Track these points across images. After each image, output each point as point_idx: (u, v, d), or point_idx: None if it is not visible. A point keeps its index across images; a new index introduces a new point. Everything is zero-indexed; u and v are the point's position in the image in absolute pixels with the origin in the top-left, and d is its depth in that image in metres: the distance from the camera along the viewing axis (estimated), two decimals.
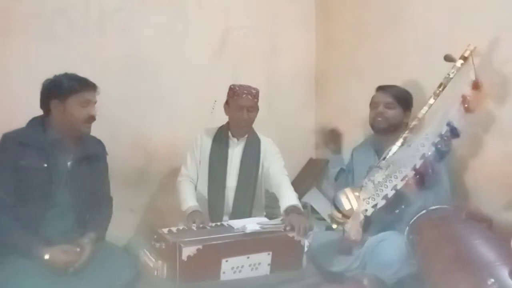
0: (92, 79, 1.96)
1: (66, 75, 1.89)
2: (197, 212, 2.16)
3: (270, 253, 1.88)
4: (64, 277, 1.69)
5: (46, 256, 1.69)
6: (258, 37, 2.94)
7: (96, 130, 2.00)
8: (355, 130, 2.73)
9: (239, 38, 2.87)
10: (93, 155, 1.96)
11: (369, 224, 1.98)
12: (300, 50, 3.09)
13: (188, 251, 1.74)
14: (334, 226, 2.05)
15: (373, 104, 2.21)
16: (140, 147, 2.63)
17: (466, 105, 1.91)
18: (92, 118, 1.90)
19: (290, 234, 1.93)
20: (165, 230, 1.94)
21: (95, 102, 1.91)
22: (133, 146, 2.59)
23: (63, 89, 1.85)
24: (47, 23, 2.37)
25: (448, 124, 1.92)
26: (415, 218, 1.86)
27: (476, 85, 1.93)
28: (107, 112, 2.40)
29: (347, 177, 2.33)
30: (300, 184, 2.84)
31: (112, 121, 2.49)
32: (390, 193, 1.94)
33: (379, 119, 2.15)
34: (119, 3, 2.54)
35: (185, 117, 2.72)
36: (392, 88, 2.18)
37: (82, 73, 1.98)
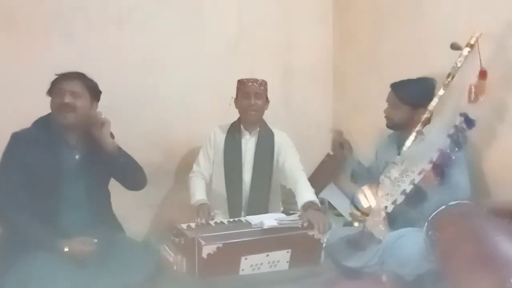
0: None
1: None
2: (204, 205, 2.19)
3: (289, 251, 1.89)
4: (85, 270, 1.72)
5: (66, 249, 1.72)
6: (274, 32, 2.93)
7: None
8: (373, 126, 2.70)
9: (255, 34, 2.87)
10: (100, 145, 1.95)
11: (394, 221, 1.98)
12: (317, 45, 3.07)
13: (208, 249, 1.76)
14: (356, 224, 2.05)
15: (386, 102, 2.21)
16: (157, 144, 2.64)
17: (473, 95, 1.89)
18: (64, 106, 1.85)
19: (310, 232, 1.93)
20: (184, 226, 1.96)
21: (73, 91, 1.87)
22: (150, 143, 2.61)
23: (51, 85, 1.91)
24: (66, 21, 2.40)
25: (462, 115, 1.91)
26: (434, 213, 1.83)
27: (483, 74, 1.90)
28: (124, 109, 2.45)
29: (368, 174, 2.32)
30: (318, 180, 2.83)
31: (129, 118, 2.52)
32: (408, 188, 1.94)
33: (386, 119, 2.19)
34: (136, 1, 2.56)
35: (202, 113, 2.73)
36: (399, 87, 2.14)
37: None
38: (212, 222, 2.07)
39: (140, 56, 2.58)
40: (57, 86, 1.89)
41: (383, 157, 2.22)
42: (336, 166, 2.86)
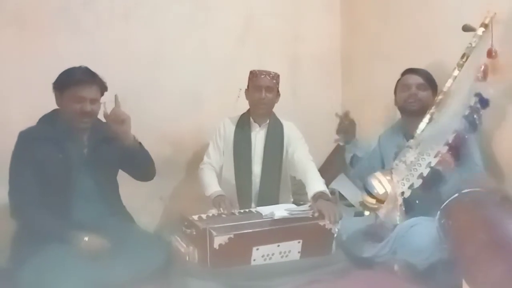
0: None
1: (72, 69, 1.90)
2: (223, 196, 2.20)
3: (301, 241, 1.89)
4: (98, 261, 1.74)
5: (86, 238, 1.75)
6: (281, 23, 2.92)
7: None
8: (381, 115, 2.69)
9: (262, 25, 2.86)
10: (106, 137, 1.97)
11: (412, 206, 1.94)
12: (325, 34, 3.06)
13: (219, 240, 1.77)
14: (367, 212, 2.03)
15: (403, 87, 2.17)
16: (166, 136, 2.65)
17: (481, 74, 1.88)
18: (85, 114, 1.87)
19: (321, 222, 1.93)
20: (195, 217, 1.97)
21: (93, 98, 1.88)
22: (160, 136, 2.62)
23: (59, 83, 1.89)
24: (74, 17, 2.41)
25: (477, 95, 1.89)
26: (446, 202, 1.82)
27: (490, 54, 1.88)
28: (134, 103, 2.45)
29: (369, 163, 2.29)
30: (328, 170, 2.82)
31: (138, 112, 2.50)
32: (425, 171, 1.91)
33: (411, 101, 2.12)
34: None
35: (210, 106, 2.73)
36: (421, 70, 2.17)
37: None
38: (222, 211, 2.08)
39: (147, 50, 2.59)
40: (76, 93, 1.86)
41: (387, 148, 2.20)
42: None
